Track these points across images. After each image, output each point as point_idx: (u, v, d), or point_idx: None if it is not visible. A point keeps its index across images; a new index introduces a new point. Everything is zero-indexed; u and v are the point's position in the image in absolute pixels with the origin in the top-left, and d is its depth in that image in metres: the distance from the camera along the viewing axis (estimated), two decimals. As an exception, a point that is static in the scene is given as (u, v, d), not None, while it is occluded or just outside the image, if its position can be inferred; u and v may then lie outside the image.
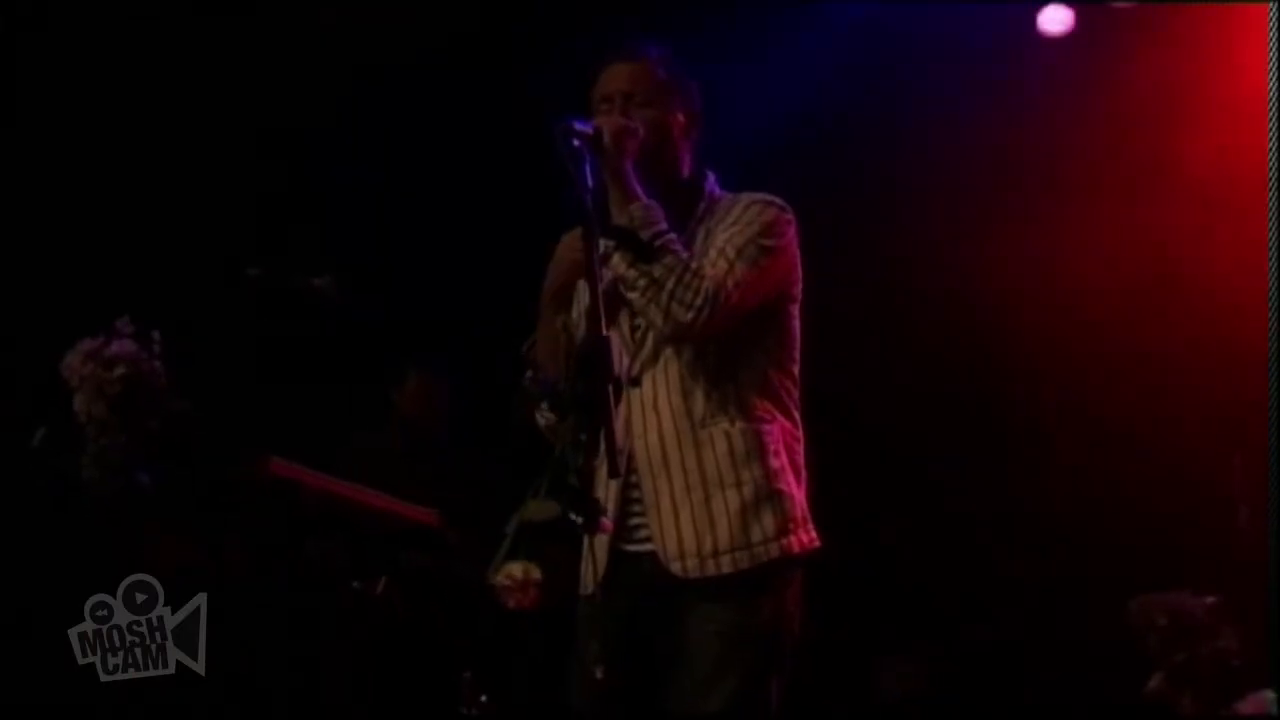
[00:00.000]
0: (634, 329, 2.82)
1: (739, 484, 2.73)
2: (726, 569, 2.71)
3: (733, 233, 2.77)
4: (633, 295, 2.71)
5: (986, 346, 5.64)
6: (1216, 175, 5.32)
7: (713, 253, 2.74)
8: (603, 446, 2.43)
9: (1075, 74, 5.68)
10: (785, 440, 2.80)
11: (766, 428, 2.77)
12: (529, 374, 2.81)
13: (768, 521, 2.73)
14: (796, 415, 2.85)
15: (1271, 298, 3.88)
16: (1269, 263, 3.90)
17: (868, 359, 5.77)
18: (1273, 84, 3.86)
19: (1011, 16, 5.72)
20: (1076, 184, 5.63)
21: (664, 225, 2.71)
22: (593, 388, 2.41)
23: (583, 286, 2.73)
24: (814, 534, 2.81)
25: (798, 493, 2.79)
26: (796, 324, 2.87)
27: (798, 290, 2.87)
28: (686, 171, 2.89)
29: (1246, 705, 4.24)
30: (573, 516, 2.43)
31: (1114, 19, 5.72)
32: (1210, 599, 4.46)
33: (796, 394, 2.86)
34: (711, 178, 2.92)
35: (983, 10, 5.56)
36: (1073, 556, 5.34)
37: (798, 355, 2.87)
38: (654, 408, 2.77)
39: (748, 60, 5.35)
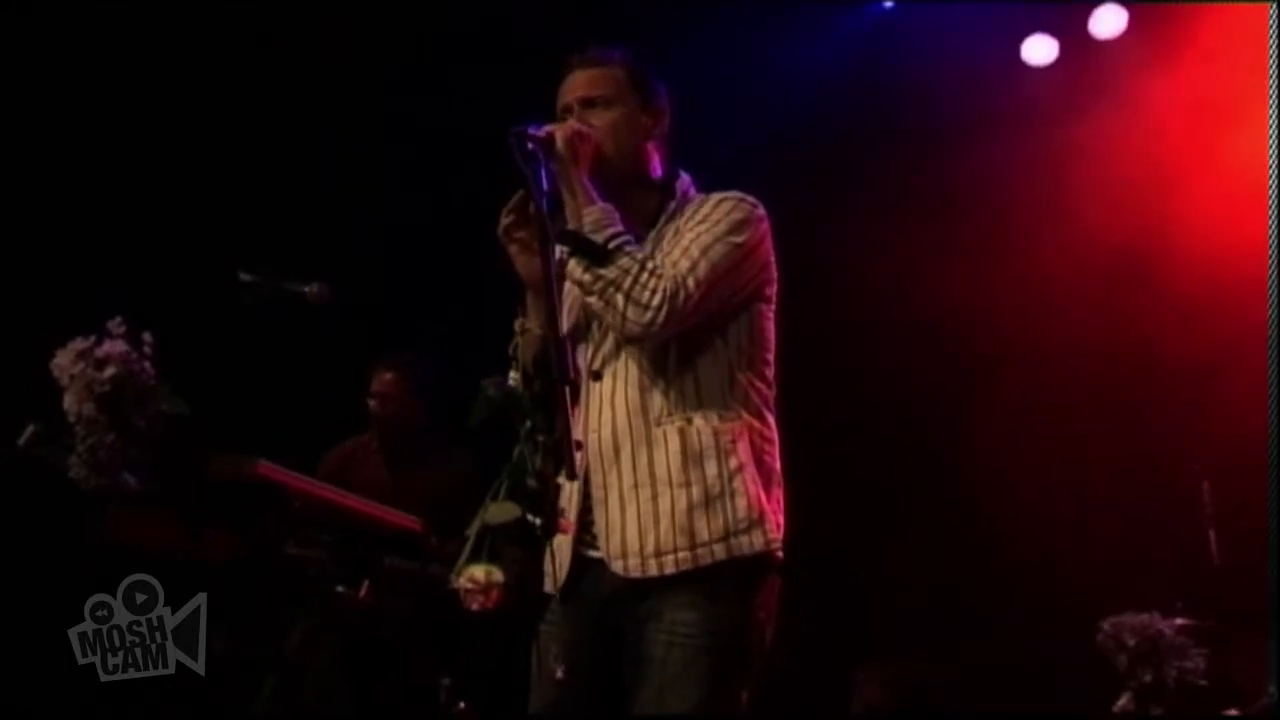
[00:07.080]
0: (599, 322, 2.76)
1: (688, 484, 2.65)
2: (669, 569, 2.63)
3: (699, 230, 2.72)
4: (590, 299, 2.67)
5: (967, 361, 5.70)
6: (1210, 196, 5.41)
7: (676, 251, 2.68)
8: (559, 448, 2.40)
9: (1058, 101, 5.78)
10: (751, 440, 2.71)
11: (728, 427, 2.69)
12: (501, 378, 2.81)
13: (715, 522, 2.64)
14: (768, 416, 2.78)
15: (1271, 300, 3.90)
16: (1269, 265, 3.92)
17: (846, 367, 5.81)
18: (1273, 84, 3.88)
19: (996, 45, 5.81)
20: (1058, 206, 5.69)
21: (619, 227, 2.66)
22: (548, 390, 2.39)
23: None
24: (772, 535, 2.69)
25: (759, 493, 2.68)
26: (769, 324, 2.80)
27: (771, 290, 2.81)
28: (657, 172, 2.85)
29: (1212, 724, 4.30)
30: (531, 518, 2.40)
31: (1100, 47, 5.82)
32: (1179, 621, 4.53)
33: (769, 395, 2.80)
34: (685, 178, 2.88)
35: (966, 38, 5.64)
36: (1046, 577, 5.38)
37: (771, 357, 2.81)
38: (610, 402, 2.72)
39: (739, 74, 5.41)
